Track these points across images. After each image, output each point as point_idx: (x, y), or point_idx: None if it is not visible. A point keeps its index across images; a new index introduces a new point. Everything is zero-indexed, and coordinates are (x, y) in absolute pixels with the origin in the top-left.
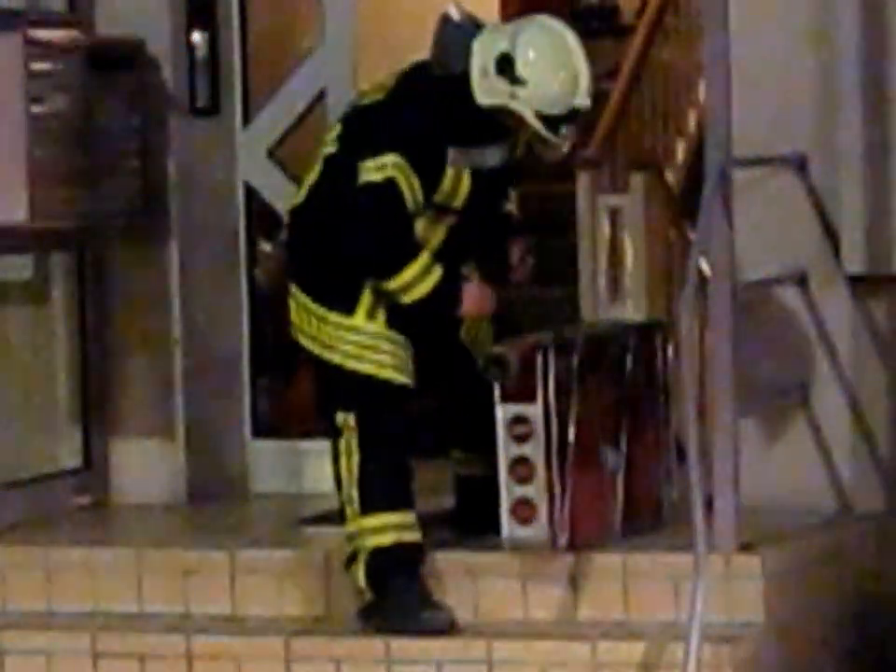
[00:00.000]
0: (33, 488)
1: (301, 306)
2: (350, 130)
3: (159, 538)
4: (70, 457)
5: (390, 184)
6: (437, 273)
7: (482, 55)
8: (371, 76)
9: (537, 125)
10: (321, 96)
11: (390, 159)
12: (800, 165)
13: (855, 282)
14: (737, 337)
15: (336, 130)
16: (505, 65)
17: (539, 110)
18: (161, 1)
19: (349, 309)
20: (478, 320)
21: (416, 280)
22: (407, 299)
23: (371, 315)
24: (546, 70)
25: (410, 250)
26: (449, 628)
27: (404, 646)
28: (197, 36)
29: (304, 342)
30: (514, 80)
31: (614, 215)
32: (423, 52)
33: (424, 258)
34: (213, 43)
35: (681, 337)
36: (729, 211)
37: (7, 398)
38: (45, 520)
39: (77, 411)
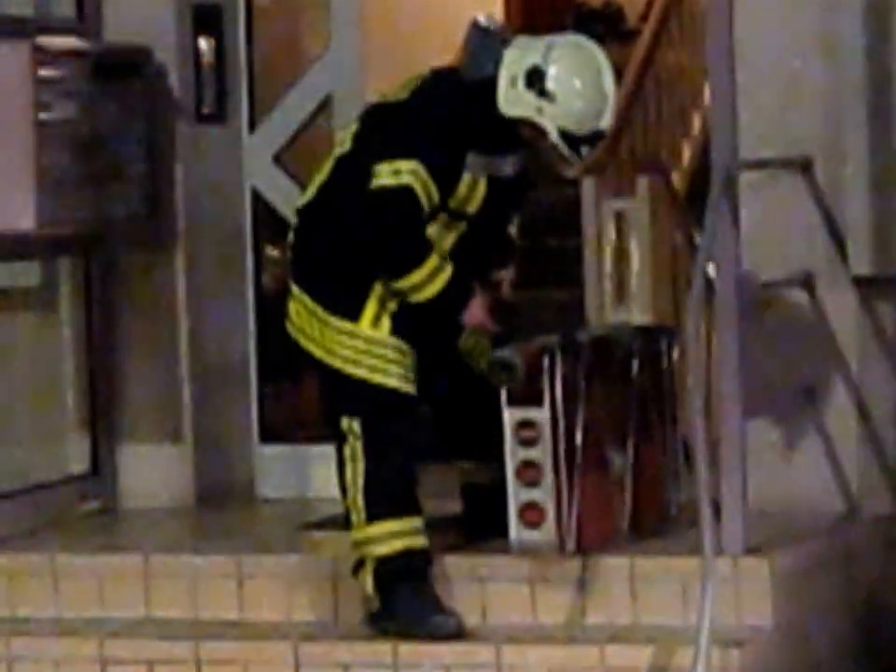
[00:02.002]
0: (40, 494)
1: (306, 310)
2: (367, 128)
3: (166, 543)
4: (78, 463)
5: (405, 190)
6: (447, 272)
7: (512, 65)
8: (377, 82)
9: (559, 142)
10: (327, 102)
11: (406, 165)
12: (805, 167)
13: (861, 283)
14: (743, 339)
15: (353, 127)
16: (535, 79)
17: (563, 127)
18: (167, 8)
19: (354, 315)
20: (478, 330)
21: (426, 280)
22: (416, 298)
23: (375, 323)
24: (576, 89)
25: (421, 252)
26: (458, 633)
27: (412, 651)
28: (203, 43)
29: (308, 345)
30: (543, 94)
31: (620, 218)
32: (430, 60)
33: (434, 258)
34: (219, 50)
35: (688, 339)
36: (735, 213)
37: (14, 403)
38: (53, 525)
39: (85, 416)
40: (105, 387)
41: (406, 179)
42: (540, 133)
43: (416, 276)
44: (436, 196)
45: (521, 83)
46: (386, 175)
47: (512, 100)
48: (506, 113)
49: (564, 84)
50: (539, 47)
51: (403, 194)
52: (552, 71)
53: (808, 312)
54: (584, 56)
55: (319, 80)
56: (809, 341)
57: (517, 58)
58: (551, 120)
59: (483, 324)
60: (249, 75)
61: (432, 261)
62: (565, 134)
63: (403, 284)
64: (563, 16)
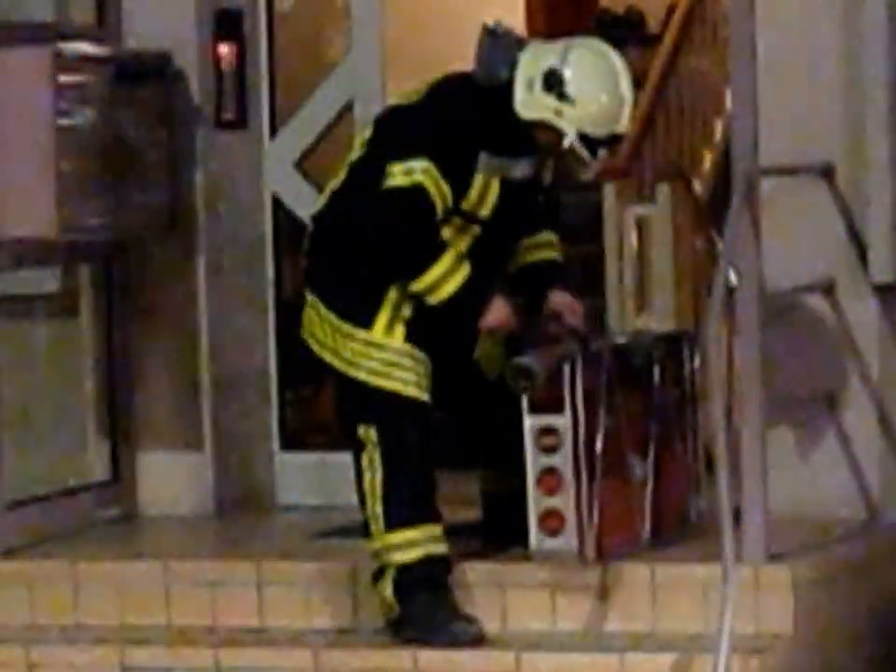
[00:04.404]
0: (61, 501)
1: (319, 317)
2: (380, 130)
3: (186, 550)
4: (98, 470)
5: (417, 190)
6: (464, 271)
7: (529, 68)
8: (399, 87)
9: (577, 144)
10: (348, 107)
11: (419, 164)
12: (827, 174)
13: (882, 290)
14: (765, 346)
15: (367, 132)
16: (553, 81)
17: (581, 129)
18: (188, 14)
19: (367, 323)
20: (495, 333)
21: (442, 280)
22: (433, 299)
23: (388, 330)
24: (594, 91)
25: (435, 251)
26: (478, 640)
27: (432, 658)
28: (224, 49)
29: (322, 352)
30: (562, 97)
31: (641, 225)
32: (451, 64)
33: (449, 255)
34: (240, 55)
35: (709, 346)
36: (756, 220)
37: (34, 410)
38: (73, 533)
39: (105, 423)
40: (126, 394)
41: (418, 178)
42: (557, 135)
43: (431, 276)
44: (449, 196)
45: (538, 86)
46: (399, 174)
47: (530, 103)
48: (523, 116)
49: (582, 86)
50: (555, 50)
51: (416, 193)
52: (570, 73)
53: (829, 318)
54: (601, 59)
55: (340, 86)
56: (830, 347)
57: (534, 60)
58: (569, 123)
59: (504, 325)
60: (270, 81)
61: (447, 260)
62: (582, 137)
63: (419, 285)
64: (585, 21)
